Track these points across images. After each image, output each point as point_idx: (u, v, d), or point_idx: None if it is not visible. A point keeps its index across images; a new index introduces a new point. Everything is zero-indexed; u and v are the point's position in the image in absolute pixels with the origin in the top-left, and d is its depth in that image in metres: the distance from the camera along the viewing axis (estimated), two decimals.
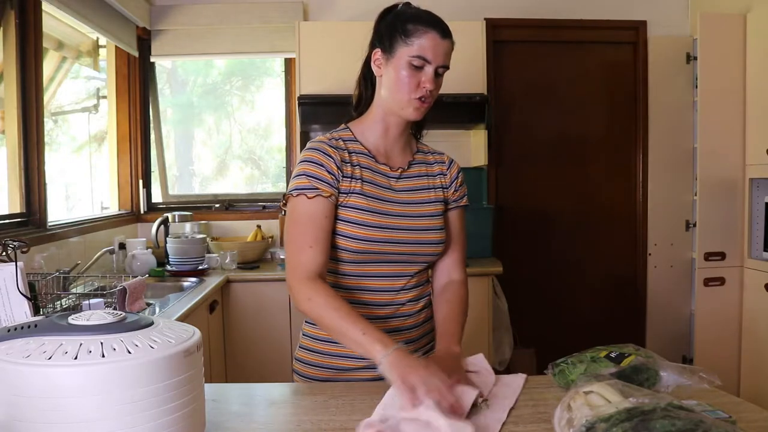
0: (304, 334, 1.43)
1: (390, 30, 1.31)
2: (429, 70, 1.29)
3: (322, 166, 1.30)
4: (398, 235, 1.32)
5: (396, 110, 1.33)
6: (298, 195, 1.29)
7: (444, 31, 1.30)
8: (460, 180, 1.47)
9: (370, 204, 1.31)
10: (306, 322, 1.43)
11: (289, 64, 3.59)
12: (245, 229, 3.49)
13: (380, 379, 1.15)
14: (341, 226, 1.31)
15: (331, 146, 1.33)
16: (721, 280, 3.14)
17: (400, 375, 1.06)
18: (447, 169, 1.45)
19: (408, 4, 1.37)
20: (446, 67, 1.32)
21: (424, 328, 1.43)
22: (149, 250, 3.02)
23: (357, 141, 1.38)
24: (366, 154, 1.36)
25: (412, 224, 1.34)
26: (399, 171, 1.39)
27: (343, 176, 1.31)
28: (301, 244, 1.27)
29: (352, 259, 1.32)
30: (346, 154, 1.34)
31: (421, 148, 1.47)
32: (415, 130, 1.48)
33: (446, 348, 1.28)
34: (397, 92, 1.30)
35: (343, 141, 1.37)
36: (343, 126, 1.41)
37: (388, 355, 1.10)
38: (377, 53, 1.33)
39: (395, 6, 1.37)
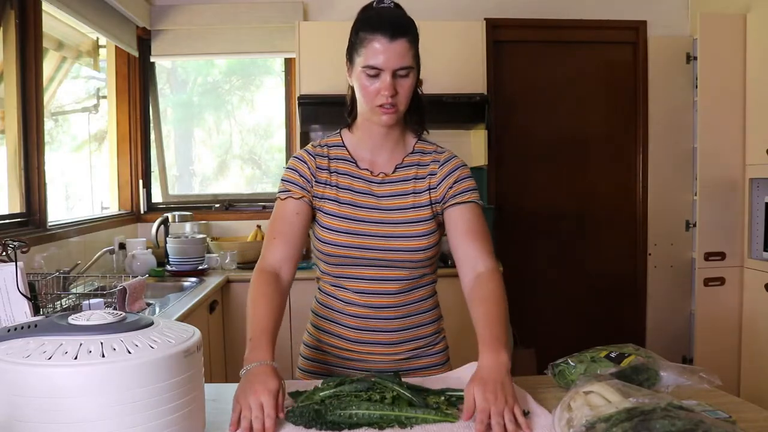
0: (308, 332, 1.47)
1: (349, 40, 1.31)
2: (384, 77, 1.24)
3: (295, 171, 1.37)
4: (370, 241, 1.31)
5: (368, 117, 1.33)
6: (277, 199, 1.38)
7: (394, 31, 1.23)
8: (455, 177, 1.35)
9: (341, 210, 1.33)
10: (310, 323, 1.46)
11: (289, 64, 3.59)
12: (245, 229, 3.49)
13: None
14: (318, 230, 1.35)
15: (309, 153, 1.38)
16: (721, 280, 3.13)
17: (237, 393, 1.05)
18: (439, 167, 1.36)
19: (375, 3, 1.32)
20: (408, 68, 1.25)
21: (405, 334, 1.38)
22: (149, 250, 3.02)
23: (343, 146, 1.39)
24: (348, 160, 1.37)
25: (389, 231, 1.31)
26: (381, 176, 1.36)
27: (316, 182, 1.36)
28: (268, 238, 1.35)
29: (330, 262, 1.35)
30: (325, 161, 1.37)
31: (422, 148, 1.40)
32: (417, 129, 1.42)
33: (493, 358, 1.10)
34: (362, 102, 1.31)
35: (328, 147, 1.39)
36: (337, 131, 1.43)
37: (247, 369, 1.09)
38: (347, 63, 1.33)
39: (366, 6, 1.33)
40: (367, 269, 1.34)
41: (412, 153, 1.39)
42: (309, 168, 1.36)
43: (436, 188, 1.36)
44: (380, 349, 1.37)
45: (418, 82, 1.35)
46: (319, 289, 1.44)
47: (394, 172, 1.36)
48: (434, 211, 1.35)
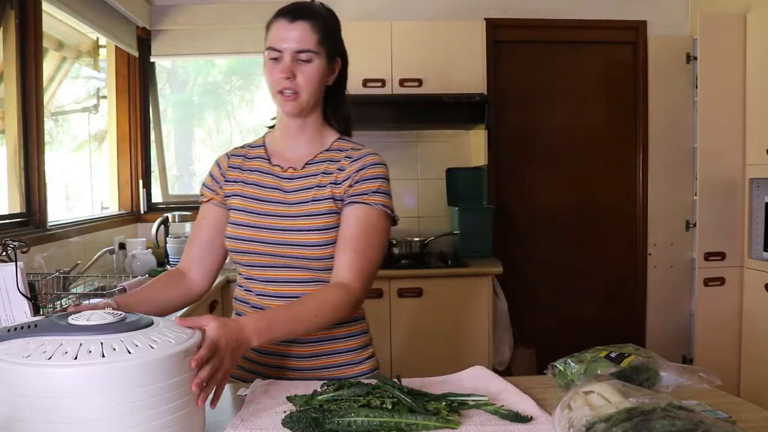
0: None
1: None
2: (284, 57, 1.23)
3: (209, 174, 1.42)
4: (271, 235, 1.28)
5: (279, 109, 1.33)
6: None
7: (294, 15, 1.24)
8: (363, 174, 1.28)
9: (246, 204, 1.33)
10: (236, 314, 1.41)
11: None
12: None
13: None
14: (226, 228, 1.36)
15: (226, 155, 1.42)
16: (721, 280, 3.13)
17: None
18: (350, 163, 1.30)
19: None
20: (308, 52, 1.23)
21: (319, 347, 1.32)
22: (149, 250, 3.02)
23: (262, 146, 1.40)
24: (262, 157, 1.38)
25: (287, 224, 1.28)
26: (290, 171, 1.34)
27: (226, 181, 1.38)
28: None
29: (237, 261, 1.35)
30: (240, 160, 1.39)
31: (340, 146, 1.35)
32: (340, 128, 1.39)
33: (246, 331, 1.05)
34: (269, 90, 1.30)
35: (249, 147, 1.42)
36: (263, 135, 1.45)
37: None
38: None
39: None
40: (272, 270, 1.30)
41: (327, 150, 1.34)
42: (220, 168, 1.40)
43: (340, 184, 1.29)
44: (295, 363, 1.31)
45: (333, 74, 1.32)
46: (234, 297, 1.42)
47: (303, 167, 1.33)
48: (337, 207, 1.29)
